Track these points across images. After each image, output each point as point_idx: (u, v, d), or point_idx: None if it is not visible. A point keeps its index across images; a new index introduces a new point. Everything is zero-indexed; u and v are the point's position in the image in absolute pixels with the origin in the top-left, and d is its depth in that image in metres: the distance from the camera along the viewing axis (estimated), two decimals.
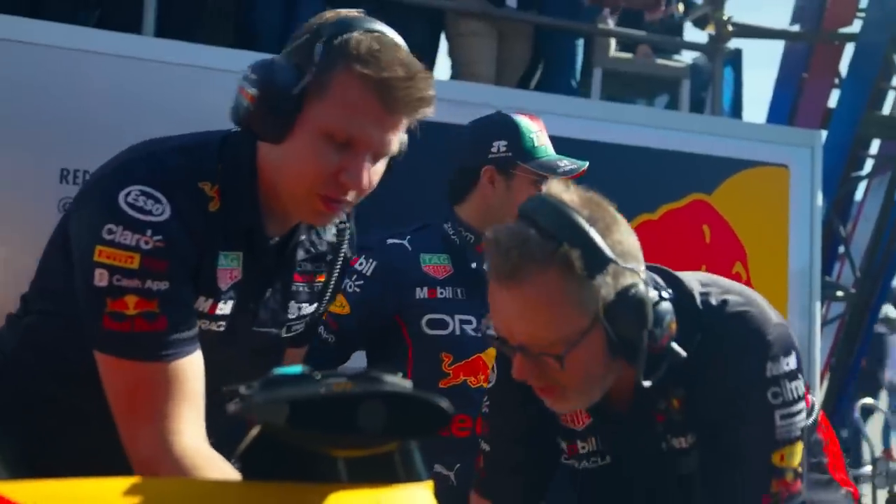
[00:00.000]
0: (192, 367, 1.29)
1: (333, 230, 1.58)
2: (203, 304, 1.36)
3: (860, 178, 5.78)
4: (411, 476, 0.76)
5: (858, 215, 6.03)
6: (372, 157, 1.34)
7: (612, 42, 4.30)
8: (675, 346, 1.34)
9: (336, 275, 1.58)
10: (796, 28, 5.94)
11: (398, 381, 0.73)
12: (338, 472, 0.74)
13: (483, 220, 2.00)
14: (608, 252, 1.28)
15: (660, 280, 1.42)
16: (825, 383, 5.30)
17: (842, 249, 5.59)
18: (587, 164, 2.04)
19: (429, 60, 3.95)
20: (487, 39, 3.82)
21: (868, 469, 4.64)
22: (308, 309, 1.56)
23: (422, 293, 1.98)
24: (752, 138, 3.27)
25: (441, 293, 1.99)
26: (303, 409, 0.69)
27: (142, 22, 3.04)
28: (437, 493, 0.78)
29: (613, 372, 1.37)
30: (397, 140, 1.37)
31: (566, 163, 2.02)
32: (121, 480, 0.70)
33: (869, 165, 5.79)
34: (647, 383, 1.33)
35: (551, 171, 1.99)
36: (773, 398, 1.39)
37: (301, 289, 1.52)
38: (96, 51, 2.28)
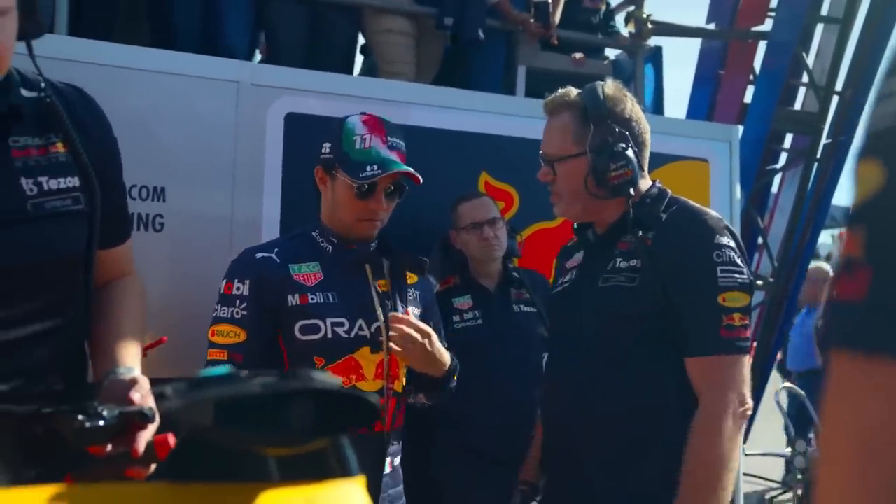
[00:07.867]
0: None
1: (33, 90, 1.48)
2: None
3: (775, 171, 5.95)
4: (345, 472, 0.75)
5: (775, 207, 6.21)
6: None
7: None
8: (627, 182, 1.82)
9: (74, 136, 1.48)
10: (712, 27, 6.10)
11: (327, 378, 0.72)
12: (269, 472, 0.74)
13: (331, 219, 2.08)
14: (606, 114, 1.85)
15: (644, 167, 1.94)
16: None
17: (760, 240, 5.76)
18: (397, 169, 1.99)
19: (349, 57, 3.90)
20: (407, 38, 3.80)
21: (788, 451, 4.82)
22: (66, 181, 1.47)
23: (294, 300, 1.99)
24: (674, 134, 3.36)
25: (312, 298, 1.99)
26: (230, 409, 0.68)
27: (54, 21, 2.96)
28: None
29: (598, 202, 1.87)
30: None
31: (372, 169, 1.98)
32: (48, 488, 0.68)
33: (783, 159, 5.98)
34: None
35: (353, 176, 1.98)
36: (717, 258, 1.77)
37: (34, 163, 1.44)
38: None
